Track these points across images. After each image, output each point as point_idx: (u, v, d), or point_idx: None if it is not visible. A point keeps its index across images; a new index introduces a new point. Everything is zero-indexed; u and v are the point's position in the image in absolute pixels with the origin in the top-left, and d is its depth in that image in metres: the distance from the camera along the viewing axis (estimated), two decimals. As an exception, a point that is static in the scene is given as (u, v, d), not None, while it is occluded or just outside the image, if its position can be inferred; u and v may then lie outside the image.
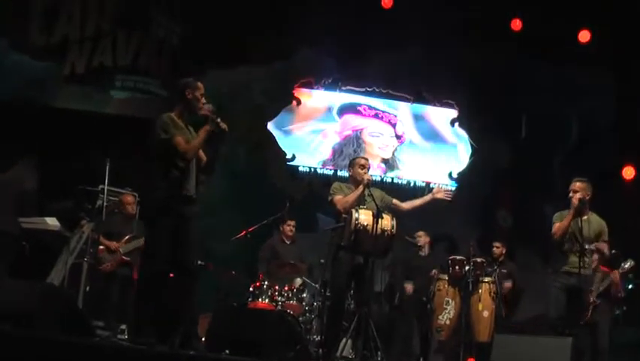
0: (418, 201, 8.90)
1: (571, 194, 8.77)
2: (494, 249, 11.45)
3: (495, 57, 13.29)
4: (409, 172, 14.15)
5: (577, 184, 8.78)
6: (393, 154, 14.28)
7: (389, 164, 14.15)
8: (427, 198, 8.87)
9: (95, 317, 9.38)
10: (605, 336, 9.00)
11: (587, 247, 8.70)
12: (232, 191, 12.44)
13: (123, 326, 9.75)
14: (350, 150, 14.03)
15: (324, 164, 13.94)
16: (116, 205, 10.74)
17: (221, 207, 12.12)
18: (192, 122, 7.25)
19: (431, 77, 14.02)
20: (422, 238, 11.81)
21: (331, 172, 13.81)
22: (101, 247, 10.27)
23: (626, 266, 9.59)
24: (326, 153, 14.07)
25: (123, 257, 10.25)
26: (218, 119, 7.02)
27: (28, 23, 12.77)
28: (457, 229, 12.70)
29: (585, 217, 8.74)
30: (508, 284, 11.10)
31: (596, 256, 9.60)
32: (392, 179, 14.03)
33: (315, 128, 14.13)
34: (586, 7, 12.98)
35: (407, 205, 8.83)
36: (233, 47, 12.83)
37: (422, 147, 14.36)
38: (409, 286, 11.50)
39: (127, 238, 10.35)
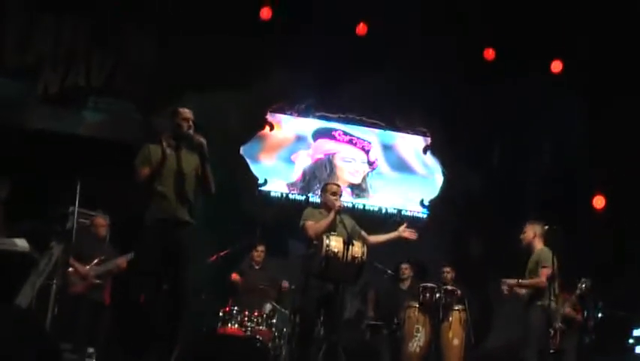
0: (383, 237, 8.93)
1: (521, 235, 9.38)
2: (445, 273, 11.50)
3: (468, 86, 13.35)
4: (379, 199, 14.16)
5: (526, 225, 9.79)
6: (364, 180, 14.30)
7: (359, 189, 14.16)
8: (393, 235, 8.92)
9: (63, 340, 9.31)
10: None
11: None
12: (204, 215, 12.39)
13: (91, 350, 9.68)
14: (323, 175, 14.04)
15: (292, 186, 13.95)
16: (86, 227, 10.69)
17: (193, 232, 12.07)
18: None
19: (404, 105, 14.07)
20: (407, 271, 11.86)
21: (303, 197, 13.81)
22: (71, 269, 10.21)
23: (583, 286, 9.69)
24: (295, 175, 14.07)
25: (94, 280, 10.19)
26: (197, 136, 7.42)
27: (1, 43, 12.69)
28: (427, 255, 12.69)
29: (534, 253, 9.58)
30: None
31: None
32: (364, 206, 14.04)
33: (285, 156, 14.14)
34: (559, 38, 13.07)
35: (374, 239, 8.85)
36: (207, 70, 12.82)
37: (390, 177, 14.39)
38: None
39: (97, 260, 10.28)
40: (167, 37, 12.89)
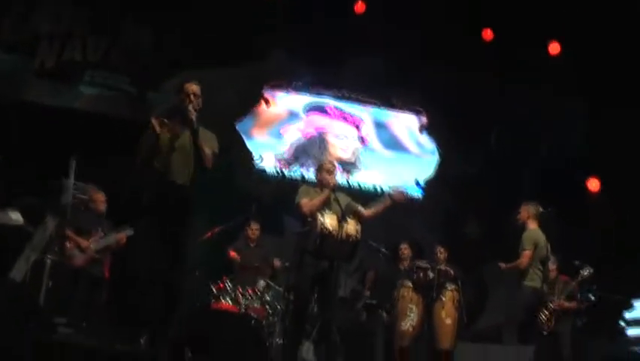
0: (379, 206, 8.83)
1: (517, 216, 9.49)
2: (438, 254, 11.50)
3: (466, 67, 13.32)
4: (369, 176, 14.18)
5: (522, 206, 9.91)
6: (355, 156, 14.32)
7: (350, 165, 14.17)
8: (387, 202, 8.78)
9: (59, 314, 9.30)
10: (567, 345, 9.15)
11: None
12: (199, 192, 12.37)
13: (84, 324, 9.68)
14: (314, 151, 14.08)
15: (282, 160, 13.95)
16: (84, 202, 10.67)
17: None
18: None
19: (401, 84, 14.05)
20: (406, 251, 11.86)
21: (299, 174, 13.82)
22: (70, 243, 10.19)
23: (585, 273, 9.75)
24: (285, 149, 14.14)
25: (94, 254, 10.18)
26: (189, 113, 7.34)
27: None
28: (422, 236, 12.71)
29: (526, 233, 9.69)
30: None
31: (553, 266, 10.00)
32: (359, 184, 14.05)
33: (276, 131, 14.20)
34: (558, 22, 13.06)
35: (369, 212, 8.78)
36: (205, 46, 12.79)
37: (383, 155, 14.43)
38: None
39: (97, 235, 10.27)
40: (164, 15, 12.85)
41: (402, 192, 8.72)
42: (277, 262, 11.07)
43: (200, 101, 7.58)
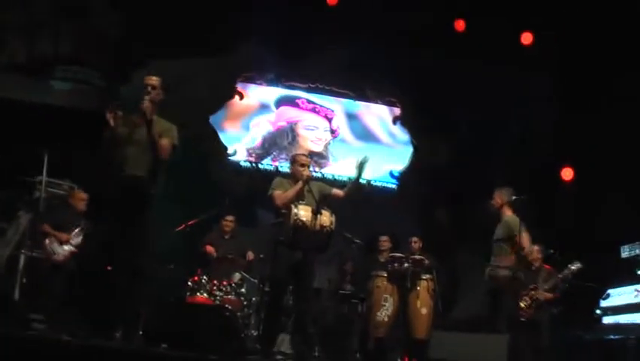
0: (351, 184, 8.79)
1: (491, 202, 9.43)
2: (412, 244, 11.52)
3: (437, 57, 13.34)
4: (340, 167, 14.22)
5: (495, 192, 9.74)
6: (326, 148, 14.36)
7: (319, 157, 14.20)
8: (356, 175, 8.71)
9: (34, 310, 9.26)
10: (546, 334, 9.18)
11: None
12: (172, 185, 12.35)
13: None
14: (284, 143, 14.15)
15: (251, 151, 13.96)
16: (64, 199, 10.63)
17: (160, 201, 12.02)
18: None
19: (374, 75, 14.07)
20: (386, 243, 11.87)
21: (272, 167, 13.84)
22: (49, 238, 10.13)
23: (573, 268, 9.80)
24: (254, 141, 14.14)
25: (73, 249, 10.13)
26: (143, 104, 7.31)
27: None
28: (397, 226, 12.73)
29: (503, 220, 9.56)
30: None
31: (539, 255, 10.00)
32: (333, 176, 14.08)
33: (247, 123, 14.22)
34: (529, 11, 13.11)
35: (343, 192, 8.76)
36: (176, 38, 12.74)
37: (354, 146, 14.46)
38: None
39: (76, 230, 10.22)
40: (134, 5, 12.79)
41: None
42: (251, 254, 11.05)
43: (159, 93, 7.55)
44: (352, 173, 8.61)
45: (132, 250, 7.31)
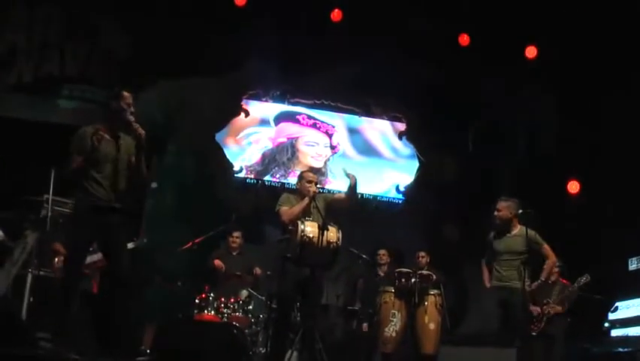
0: (345, 192, 8.80)
1: (495, 213, 9.18)
2: (419, 259, 11.52)
3: (443, 72, 13.37)
4: (340, 184, 14.21)
5: (500, 204, 9.44)
6: (325, 164, 14.36)
7: (318, 173, 14.17)
8: (350, 181, 8.72)
9: (42, 329, 9.25)
10: (560, 348, 9.13)
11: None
12: (179, 203, 12.37)
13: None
14: (284, 158, 14.15)
15: (250, 168, 14.02)
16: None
17: (167, 219, 12.05)
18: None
19: (380, 91, 14.08)
20: (384, 257, 11.88)
21: (278, 184, 13.84)
22: (59, 258, 10.13)
23: (582, 280, 9.76)
24: (254, 158, 14.13)
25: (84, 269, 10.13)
26: (136, 126, 7.35)
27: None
28: (403, 241, 12.72)
29: (513, 232, 9.28)
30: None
31: (556, 269, 9.93)
32: (340, 191, 14.08)
33: (248, 140, 14.20)
34: (533, 24, 13.13)
35: (345, 195, 8.79)
36: (182, 57, 12.77)
37: (356, 161, 14.46)
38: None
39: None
40: (141, 25, 12.83)
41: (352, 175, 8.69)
42: (259, 270, 11.05)
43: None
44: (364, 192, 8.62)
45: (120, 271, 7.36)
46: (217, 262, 11.00)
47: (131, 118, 7.41)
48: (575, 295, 10.50)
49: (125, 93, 7.57)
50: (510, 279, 9.08)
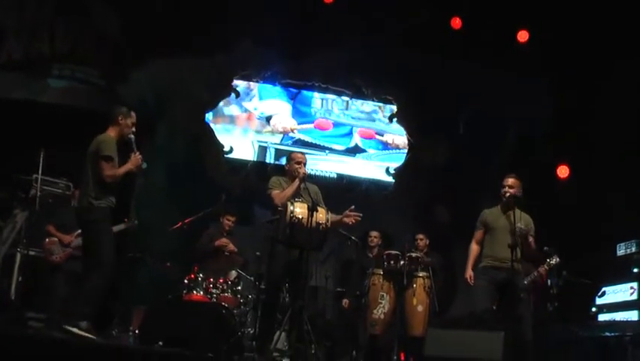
0: (335, 218, 8.80)
1: (506, 189, 8.98)
2: (418, 241, 11.56)
3: (435, 55, 13.35)
4: (335, 165, 14.31)
5: (510, 180, 9.08)
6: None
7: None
8: (338, 218, 8.76)
9: (31, 309, 9.26)
10: (529, 329, 9.07)
11: (518, 227, 8.88)
12: (169, 183, 12.35)
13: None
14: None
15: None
16: (67, 198, 10.63)
17: (158, 199, 12.03)
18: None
19: (371, 73, 14.08)
20: (375, 239, 11.88)
21: (267, 165, 13.84)
22: (50, 238, 10.17)
23: (552, 262, 9.68)
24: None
25: (73, 251, 10.14)
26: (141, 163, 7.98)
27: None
28: (393, 224, 12.75)
29: (513, 212, 8.94)
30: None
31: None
32: (325, 172, 14.11)
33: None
34: (525, 10, 13.12)
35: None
36: (174, 37, 12.74)
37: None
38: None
39: (78, 232, 10.22)
40: (132, 6, 12.78)
41: (354, 216, 8.74)
42: (234, 273, 11.01)
43: None
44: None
45: None
46: (220, 241, 10.97)
47: (132, 137, 7.93)
48: (543, 277, 10.40)
49: (133, 113, 8.05)
50: (508, 260, 8.84)
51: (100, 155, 7.68)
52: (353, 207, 8.75)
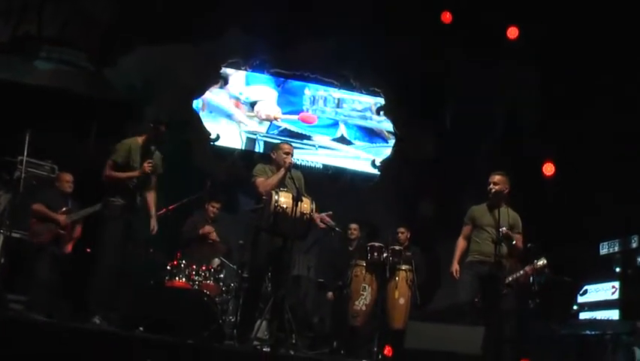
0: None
1: (491, 186, 9.00)
2: (399, 234, 11.54)
3: (423, 48, 13.36)
4: (320, 156, 14.32)
5: (496, 177, 9.11)
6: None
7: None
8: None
9: (13, 291, 9.24)
10: (509, 326, 9.09)
11: (501, 230, 8.89)
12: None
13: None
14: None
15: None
16: (51, 181, 10.61)
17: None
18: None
19: (359, 65, 14.08)
20: (355, 232, 11.85)
21: (254, 153, 13.83)
22: (33, 220, 10.13)
23: (539, 263, 9.68)
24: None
25: (60, 230, 10.11)
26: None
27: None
28: (378, 216, 12.76)
29: (502, 209, 8.94)
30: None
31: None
32: (310, 163, 14.11)
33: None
34: (515, 4, 13.11)
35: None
36: (163, 24, 12.70)
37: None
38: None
39: (64, 209, 10.20)
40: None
41: (324, 218, 8.79)
42: (217, 261, 10.99)
43: None
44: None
45: None
46: (204, 229, 10.95)
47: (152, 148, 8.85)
48: (527, 276, 10.39)
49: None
50: (492, 254, 8.91)
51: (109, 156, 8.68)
52: (331, 212, 8.86)
